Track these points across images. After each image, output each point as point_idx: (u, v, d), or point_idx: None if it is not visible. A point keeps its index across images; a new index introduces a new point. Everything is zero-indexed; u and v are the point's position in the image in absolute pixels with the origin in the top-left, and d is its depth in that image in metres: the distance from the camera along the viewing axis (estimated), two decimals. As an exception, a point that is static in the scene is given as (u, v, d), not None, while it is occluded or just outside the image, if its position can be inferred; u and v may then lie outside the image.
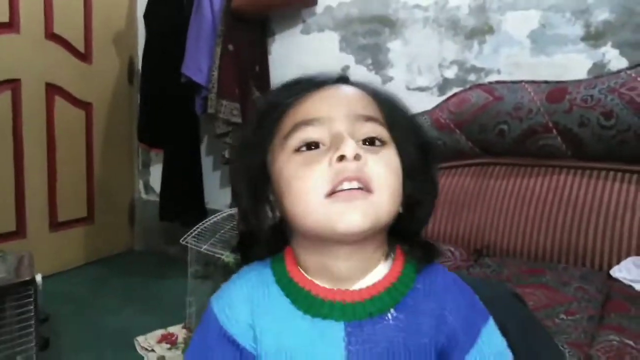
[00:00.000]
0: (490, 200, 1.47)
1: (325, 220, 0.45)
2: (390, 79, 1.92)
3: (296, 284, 0.49)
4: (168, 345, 1.54)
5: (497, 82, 1.59)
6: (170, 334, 1.59)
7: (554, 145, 1.41)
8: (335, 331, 0.47)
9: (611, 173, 1.34)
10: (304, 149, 0.46)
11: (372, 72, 1.95)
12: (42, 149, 2.20)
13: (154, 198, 2.49)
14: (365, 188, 0.45)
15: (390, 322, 0.47)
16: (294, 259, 0.51)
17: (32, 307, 1.22)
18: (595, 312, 1.02)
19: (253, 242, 0.52)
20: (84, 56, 2.36)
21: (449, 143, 1.58)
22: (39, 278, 1.26)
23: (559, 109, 1.40)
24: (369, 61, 1.97)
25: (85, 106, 2.39)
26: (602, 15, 1.55)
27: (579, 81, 1.44)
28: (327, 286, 0.48)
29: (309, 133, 0.46)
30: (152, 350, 1.53)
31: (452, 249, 1.40)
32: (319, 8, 2.06)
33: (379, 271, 0.49)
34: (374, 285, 0.48)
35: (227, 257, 1.51)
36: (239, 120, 2.00)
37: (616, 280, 1.18)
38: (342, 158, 0.45)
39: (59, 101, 2.27)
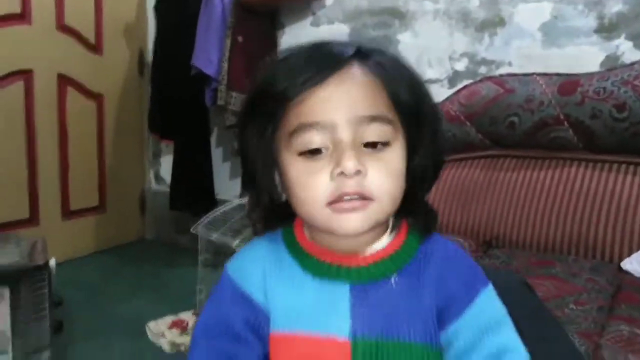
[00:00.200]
0: (500, 193, 1.47)
1: (326, 225, 0.49)
2: (401, 71, 1.91)
3: (305, 250, 0.53)
4: (179, 331, 1.56)
5: (508, 75, 1.58)
6: (181, 320, 1.61)
7: (566, 137, 1.41)
8: (341, 293, 0.50)
9: (623, 166, 1.34)
10: (307, 154, 0.48)
11: (382, 64, 1.95)
12: (54, 139, 2.23)
13: (165, 188, 2.51)
14: (365, 198, 0.47)
15: (393, 286, 0.50)
16: (303, 231, 0.54)
17: (46, 290, 1.25)
18: (605, 303, 1.02)
19: (265, 215, 0.55)
20: (95, 47, 2.37)
21: (459, 135, 1.58)
22: (52, 262, 1.28)
23: (570, 101, 1.39)
24: (379, 53, 1.96)
25: (97, 97, 2.41)
26: (615, 6, 1.53)
27: (592, 73, 1.43)
28: (334, 254, 0.52)
29: (312, 138, 0.47)
30: (163, 336, 1.55)
31: (462, 240, 1.40)
32: (329, 0, 2.06)
33: (383, 241, 0.53)
34: (378, 252, 0.52)
35: (237, 245, 1.53)
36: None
37: (627, 272, 1.18)
38: (342, 173, 0.46)
39: (70, 92, 2.29)
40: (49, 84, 2.19)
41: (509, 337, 0.49)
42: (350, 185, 0.47)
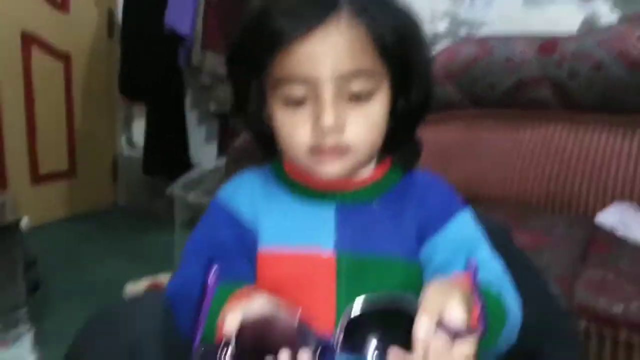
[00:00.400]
0: (480, 152, 1.49)
1: (309, 168, 0.52)
2: (381, 32, 1.89)
3: (292, 177, 0.56)
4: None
5: (489, 36, 1.58)
6: (159, 282, 1.59)
7: (544, 97, 1.42)
8: (326, 214, 0.54)
9: (599, 125, 1.37)
10: (291, 103, 0.50)
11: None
12: (19, 99, 2.14)
13: (137, 154, 2.45)
14: (343, 151, 0.50)
15: (376, 210, 0.54)
16: (291, 163, 0.56)
17: (18, 248, 1.21)
18: (579, 252, 1.06)
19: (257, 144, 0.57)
20: (61, 5, 2.26)
21: (439, 95, 1.58)
22: (24, 221, 1.24)
23: (550, 62, 1.40)
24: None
25: (64, 58, 2.31)
26: (595, -32, 1.54)
27: (571, 34, 1.44)
28: (321, 181, 0.54)
29: (296, 91, 0.49)
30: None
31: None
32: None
33: (365, 172, 0.56)
34: (362, 180, 0.55)
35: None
36: (224, 72, 1.96)
37: (601, 226, 1.22)
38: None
39: (36, 51, 2.19)
40: (13, 42, 2.09)
41: (485, 254, 0.52)
42: (329, 140, 0.49)
